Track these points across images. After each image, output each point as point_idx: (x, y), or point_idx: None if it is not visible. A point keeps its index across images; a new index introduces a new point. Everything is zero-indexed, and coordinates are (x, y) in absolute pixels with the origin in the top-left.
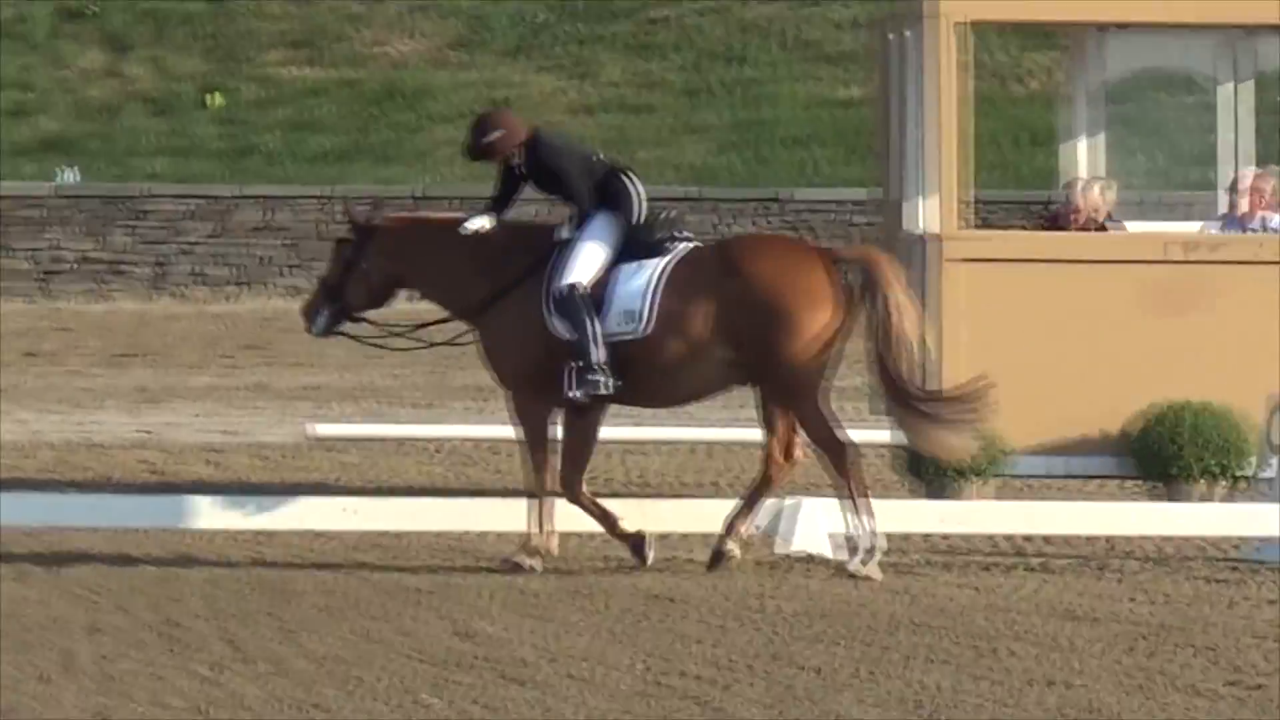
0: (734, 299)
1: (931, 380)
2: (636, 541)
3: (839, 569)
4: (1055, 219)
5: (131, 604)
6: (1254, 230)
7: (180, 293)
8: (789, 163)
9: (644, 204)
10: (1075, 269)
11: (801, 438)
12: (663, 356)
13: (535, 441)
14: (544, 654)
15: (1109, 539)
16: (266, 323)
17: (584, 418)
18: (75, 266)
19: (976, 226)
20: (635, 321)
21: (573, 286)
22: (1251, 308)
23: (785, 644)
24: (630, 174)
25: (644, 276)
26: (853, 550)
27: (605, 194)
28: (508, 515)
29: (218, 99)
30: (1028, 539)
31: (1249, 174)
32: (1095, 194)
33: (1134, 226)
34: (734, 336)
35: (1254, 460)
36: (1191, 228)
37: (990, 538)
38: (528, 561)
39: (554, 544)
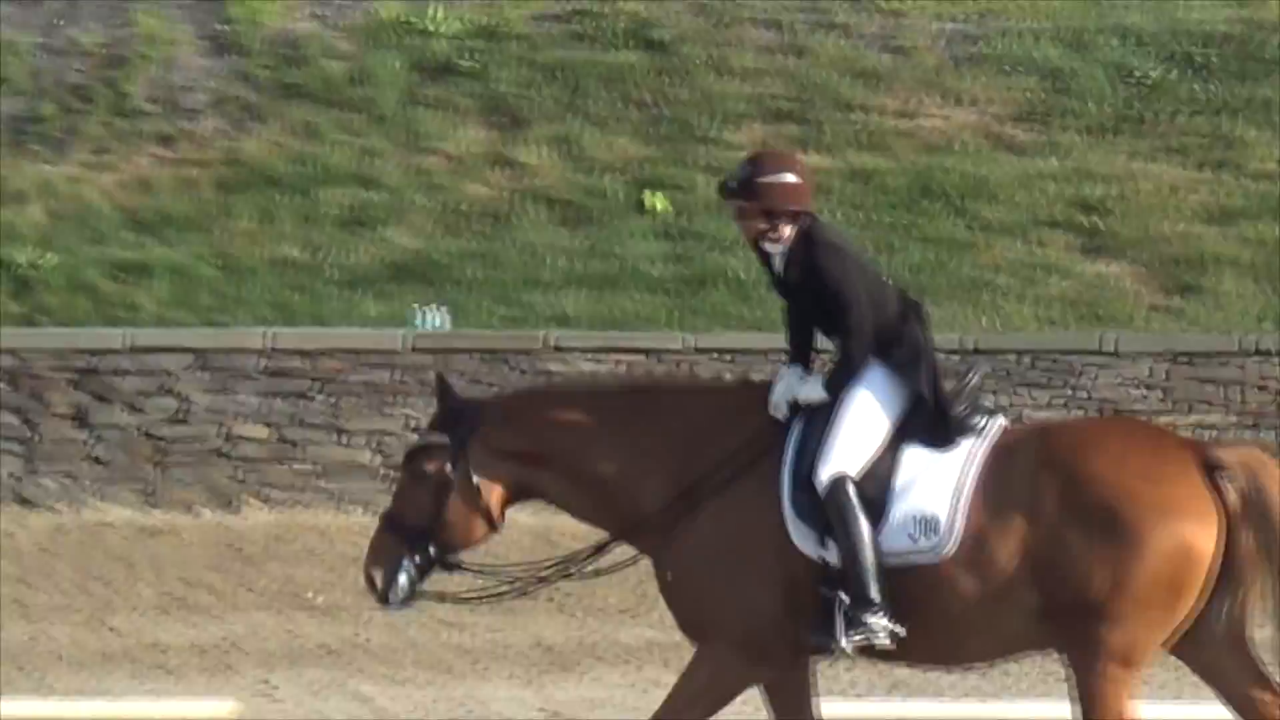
0: (1057, 508)
1: None
2: None
3: None
4: None
5: None
6: None
7: None
8: None
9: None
10: None
11: None
12: (965, 591)
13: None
14: None
15: None
16: None
17: (790, 685)
18: None
19: None
20: (934, 535)
21: (837, 480)
22: None
23: None
24: (924, 312)
25: (947, 469)
26: None
27: (890, 337)
28: None
29: (658, 201)
30: None
31: None
32: None
33: None
34: (1051, 567)
35: None
36: None
37: None
38: None
39: None
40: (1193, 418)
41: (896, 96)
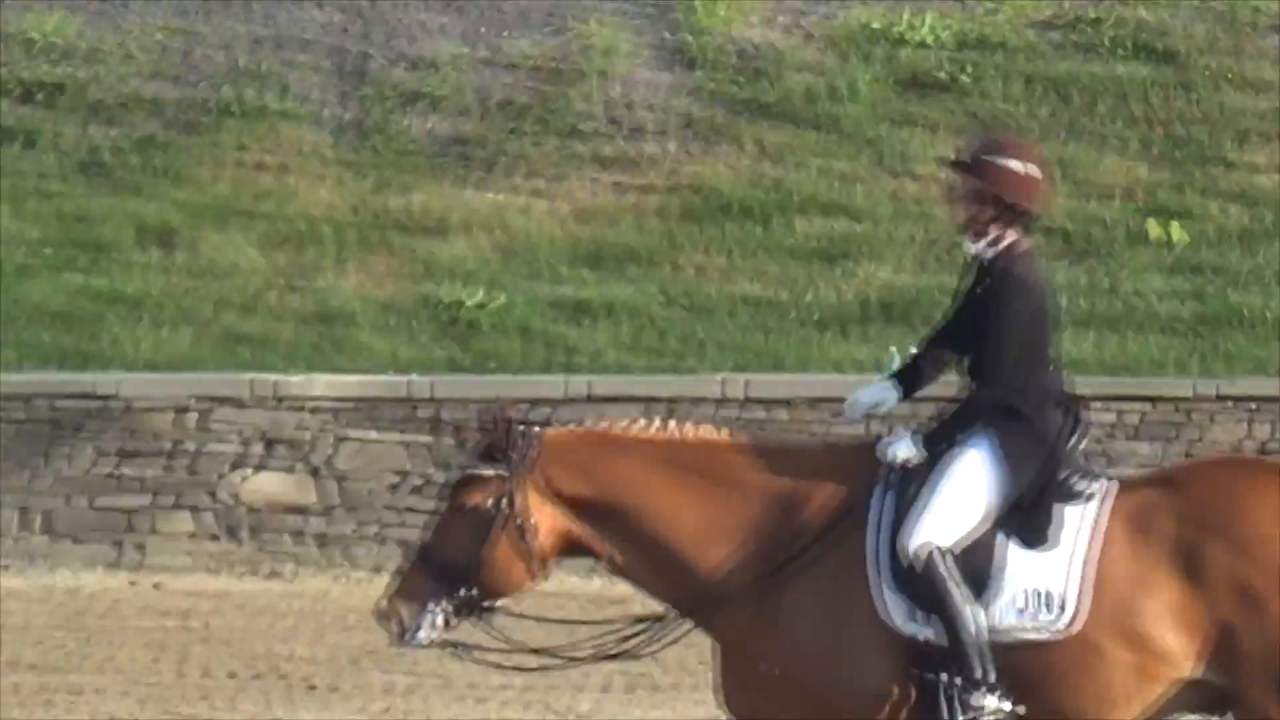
0: (1213, 570)
1: None
2: None
3: None
4: None
5: None
6: None
7: None
8: None
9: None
10: None
11: None
12: (1100, 670)
13: None
14: None
15: None
16: None
17: None
18: None
19: None
20: (1052, 611)
21: (930, 550)
22: None
23: None
24: (1078, 413)
25: (1062, 537)
26: None
27: (1022, 413)
28: None
29: (1170, 230)
30: None
31: None
32: None
33: None
34: (1210, 637)
35: None
36: None
37: None
38: None
39: None
40: None
41: None
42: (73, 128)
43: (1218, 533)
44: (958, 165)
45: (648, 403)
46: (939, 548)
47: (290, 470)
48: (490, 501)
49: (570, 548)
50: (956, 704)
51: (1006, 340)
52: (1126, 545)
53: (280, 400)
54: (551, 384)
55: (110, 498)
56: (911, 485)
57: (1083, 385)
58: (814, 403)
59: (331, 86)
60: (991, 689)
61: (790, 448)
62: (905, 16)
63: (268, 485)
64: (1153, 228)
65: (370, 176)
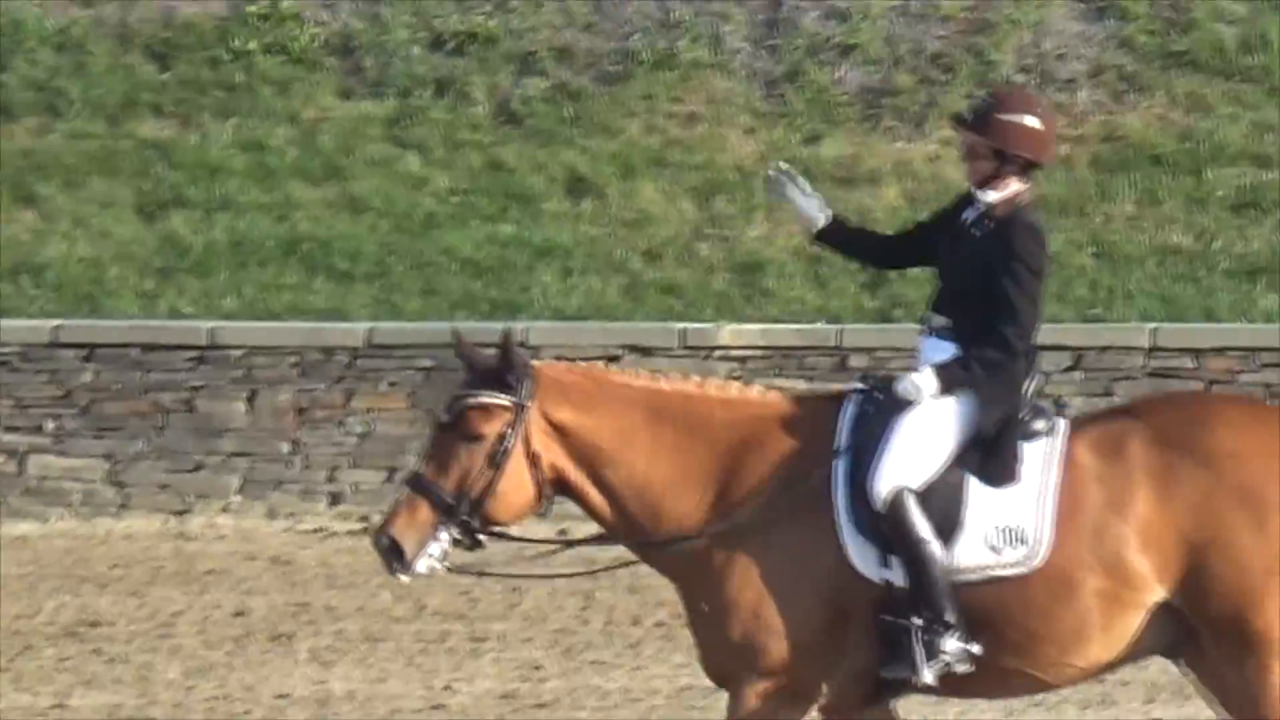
0: (1183, 487)
1: None
2: None
3: None
4: None
5: None
6: None
7: None
8: None
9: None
10: None
11: None
12: (1072, 600)
13: None
14: None
15: None
16: None
17: None
18: None
19: None
20: (1019, 545)
21: (899, 492)
22: None
23: None
24: (1035, 357)
25: (1025, 473)
26: None
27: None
28: None
29: None
30: None
31: None
32: None
33: None
34: (1179, 561)
35: None
36: None
37: None
38: None
39: None
40: None
41: None
42: (491, 78)
43: (1186, 451)
44: (970, 124)
45: (1072, 351)
46: (907, 488)
47: None
48: (500, 430)
49: (555, 481)
50: (924, 647)
51: (1024, 295)
52: (1094, 471)
53: (707, 350)
54: None
55: None
56: (875, 429)
57: None
58: (1230, 351)
59: (751, 36)
60: (958, 630)
61: (763, 399)
62: None
63: None
64: None
65: (789, 126)
